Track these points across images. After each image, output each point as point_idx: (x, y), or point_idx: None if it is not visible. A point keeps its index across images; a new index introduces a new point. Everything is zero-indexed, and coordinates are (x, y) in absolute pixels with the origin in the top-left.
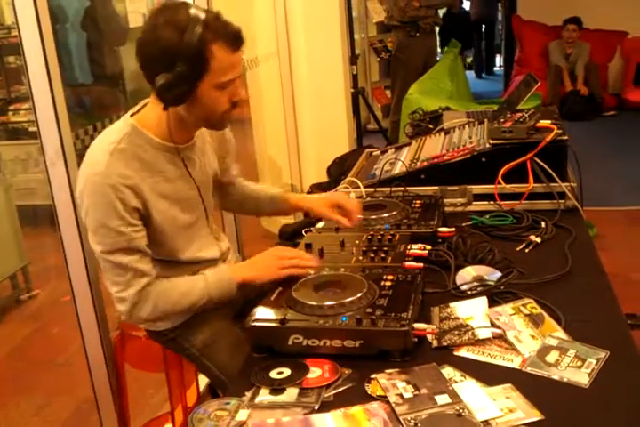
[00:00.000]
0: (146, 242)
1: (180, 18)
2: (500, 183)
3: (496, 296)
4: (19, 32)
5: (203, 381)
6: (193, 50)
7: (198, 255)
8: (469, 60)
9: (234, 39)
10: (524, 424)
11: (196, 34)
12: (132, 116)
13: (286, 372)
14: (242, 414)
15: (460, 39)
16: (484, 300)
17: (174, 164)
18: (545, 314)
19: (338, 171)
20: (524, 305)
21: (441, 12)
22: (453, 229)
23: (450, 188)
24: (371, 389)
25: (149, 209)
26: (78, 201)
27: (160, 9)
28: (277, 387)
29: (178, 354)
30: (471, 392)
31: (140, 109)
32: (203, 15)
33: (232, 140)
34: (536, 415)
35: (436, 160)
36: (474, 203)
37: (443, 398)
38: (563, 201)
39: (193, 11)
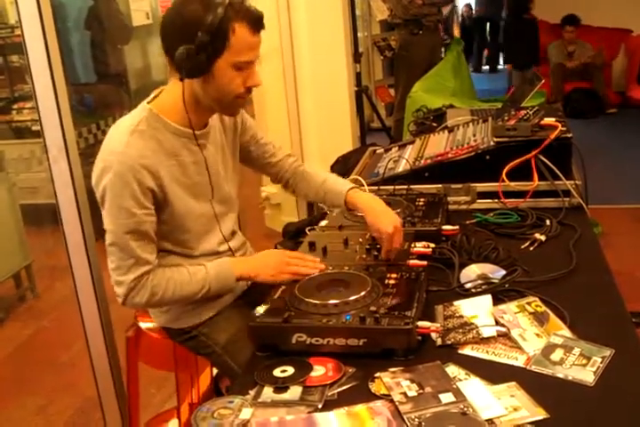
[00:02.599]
0: (154, 228)
1: None
2: (504, 181)
3: (500, 294)
4: (22, 31)
5: (204, 381)
6: (215, 23)
7: (212, 248)
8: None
9: (255, 21)
10: (528, 423)
11: (220, 10)
12: (148, 103)
13: (290, 370)
14: (245, 413)
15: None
16: (488, 298)
17: (188, 149)
18: (550, 312)
19: (341, 169)
20: (528, 303)
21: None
22: (457, 227)
23: (454, 186)
24: (374, 387)
25: (166, 191)
26: (94, 183)
27: None
28: (281, 385)
29: (197, 354)
30: (475, 391)
31: (155, 97)
32: None
33: (248, 120)
34: (541, 414)
35: (439, 158)
36: (478, 201)
37: (447, 397)
38: (567, 199)
39: None
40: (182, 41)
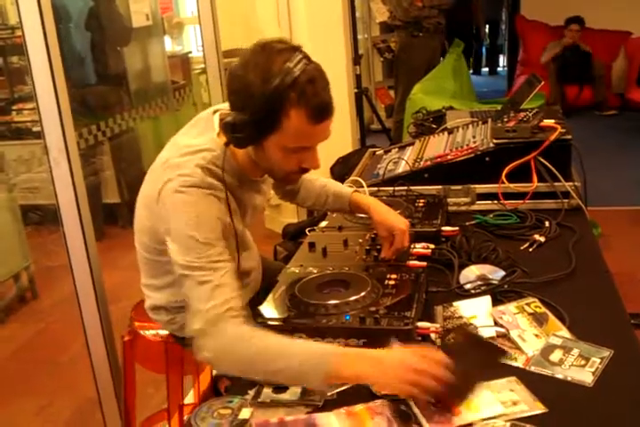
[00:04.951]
0: None
1: (273, 66)
2: (503, 182)
3: (500, 295)
4: (22, 32)
5: (203, 381)
6: (269, 105)
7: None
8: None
9: (318, 111)
10: (527, 417)
11: (279, 89)
12: (218, 135)
13: None
14: (245, 413)
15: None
16: (487, 299)
17: (248, 194)
18: (549, 313)
19: (341, 170)
20: (527, 304)
21: None
22: (457, 228)
23: (453, 187)
24: (374, 387)
25: (226, 225)
26: (159, 217)
27: (263, 46)
28: (281, 385)
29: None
30: None
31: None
32: (297, 72)
33: None
34: (540, 408)
35: (439, 159)
36: (477, 202)
37: None
38: (567, 200)
39: (290, 64)
40: (235, 107)
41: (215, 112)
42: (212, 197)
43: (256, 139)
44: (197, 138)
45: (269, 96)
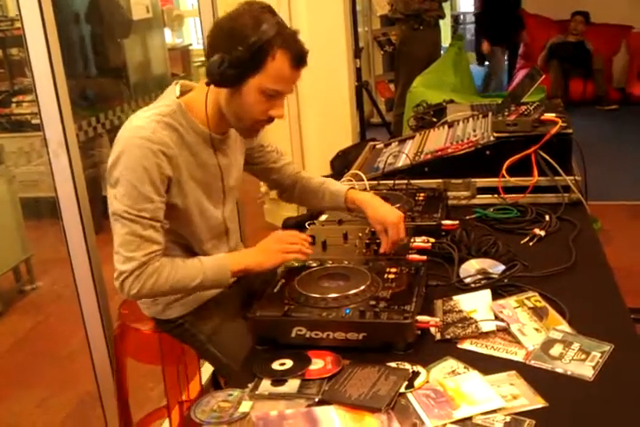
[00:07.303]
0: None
1: (264, 16)
2: (504, 176)
3: (500, 289)
4: (22, 24)
5: (205, 374)
6: (258, 43)
7: (212, 251)
8: None
9: (298, 56)
10: (527, 411)
11: (268, 32)
12: (178, 97)
13: (288, 363)
14: (245, 406)
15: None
16: (487, 293)
17: (207, 151)
18: (549, 307)
19: (341, 164)
20: (527, 298)
21: None
22: (457, 222)
23: (454, 181)
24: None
25: (182, 183)
26: (112, 163)
27: (252, 4)
28: (279, 378)
29: (183, 343)
30: (474, 383)
31: (183, 92)
32: (284, 25)
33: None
34: (540, 402)
35: (439, 153)
36: (478, 196)
37: None
38: (567, 194)
39: (278, 18)
40: (221, 50)
41: (177, 83)
42: (159, 154)
43: (239, 78)
44: (159, 101)
45: (258, 38)
